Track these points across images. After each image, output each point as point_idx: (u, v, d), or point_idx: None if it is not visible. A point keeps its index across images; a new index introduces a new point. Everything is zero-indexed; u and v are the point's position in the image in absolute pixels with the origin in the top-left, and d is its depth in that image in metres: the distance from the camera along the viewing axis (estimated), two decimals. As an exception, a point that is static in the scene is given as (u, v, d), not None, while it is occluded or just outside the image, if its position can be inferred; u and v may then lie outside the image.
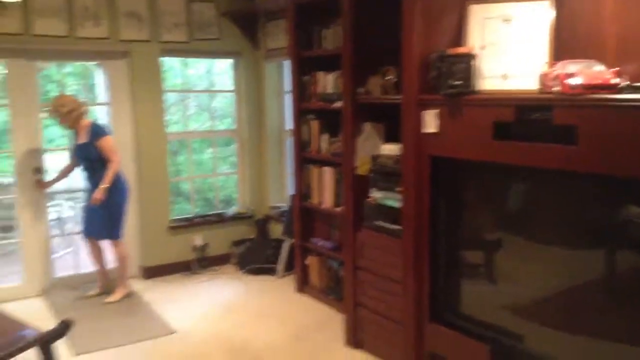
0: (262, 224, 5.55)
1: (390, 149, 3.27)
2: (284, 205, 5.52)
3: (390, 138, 3.38)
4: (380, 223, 3.27)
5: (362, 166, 3.48)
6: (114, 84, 4.84)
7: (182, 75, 7.79)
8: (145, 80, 4.86)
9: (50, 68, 6.62)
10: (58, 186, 5.04)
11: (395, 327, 3.20)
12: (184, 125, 5.97)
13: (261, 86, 5.46)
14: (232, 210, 5.58)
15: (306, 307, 4.39)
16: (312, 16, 4.23)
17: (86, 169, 4.42)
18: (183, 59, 5.47)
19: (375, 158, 3.37)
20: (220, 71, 5.79)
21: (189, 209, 5.62)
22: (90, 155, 4.31)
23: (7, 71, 4.42)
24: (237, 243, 5.46)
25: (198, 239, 5.27)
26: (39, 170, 4.59)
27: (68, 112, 4.23)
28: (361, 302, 3.50)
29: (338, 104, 3.89)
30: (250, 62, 5.42)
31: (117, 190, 4.42)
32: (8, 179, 5.71)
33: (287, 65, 5.34)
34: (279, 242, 5.20)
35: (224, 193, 6.28)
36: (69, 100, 4.31)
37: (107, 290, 4.67)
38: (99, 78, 4.99)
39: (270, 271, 5.09)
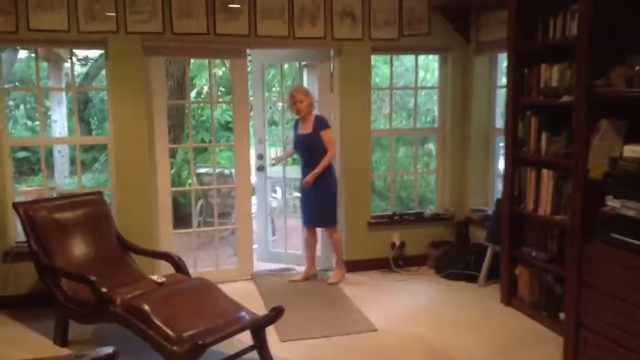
0: (462, 227, 5.29)
1: (636, 151, 2.82)
2: (487, 208, 5.20)
3: (634, 138, 2.91)
4: (621, 237, 2.82)
5: (596, 169, 3.05)
6: (322, 83, 4.98)
7: (380, 73, 7.88)
8: (354, 78, 4.92)
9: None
10: (274, 174, 5.47)
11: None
12: (381, 122, 5.98)
13: (468, 82, 5.20)
14: (430, 210, 5.41)
15: (512, 320, 4.04)
16: (535, 4, 3.86)
17: (305, 157, 4.71)
18: (385, 56, 5.45)
19: (614, 160, 2.94)
20: (423, 67, 5.64)
21: (383, 207, 5.59)
22: (313, 145, 4.59)
23: (234, 69, 4.80)
24: (435, 245, 5.27)
25: (396, 238, 5.20)
26: (261, 156, 5.19)
27: (309, 104, 4.60)
28: (586, 324, 3.08)
29: (566, 99, 3.49)
30: (458, 57, 5.19)
31: (332, 180, 4.71)
32: (228, 170, 6.27)
33: (501, 59, 5.01)
34: (480, 248, 4.90)
35: (419, 192, 6.14)
36: (308, 91, 4.71)
37: (311, 277, 4.93)
38: (305, 77, 5.22)
39: (470, 278, 4.81)
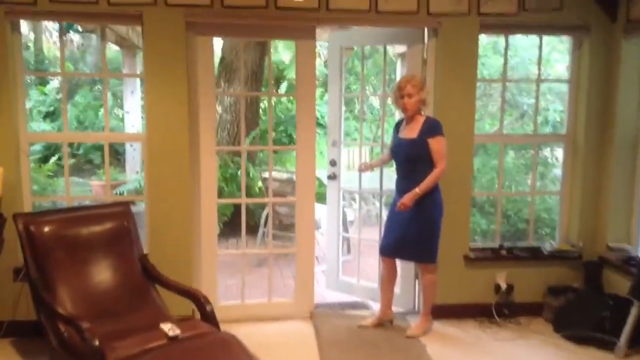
0: (593, 270, 3.96)
1: None
2: (631, 247, 3.84)
3: None
4: None
5: None
6: (412, 72, 3.85)
7: (487, 64, 6.51)
8: (455, 66, 3.75)
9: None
10: (349, 184, 4.57)
11: None
12: (485, 123, 4.70)
13: (613, 74, 3.84)
14: (550, 245, 4.11)
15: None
16: None
17: (403, 169, 3.62)
18: (494, 37, 4.18)
19: None
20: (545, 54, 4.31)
21: (483, 226, 4.35)
22: (416, 154, 3.49)
23: (299, 54, 3.80)
24: (554, 291, 3.98)
25: (502, 279, 3.97)
26: (334, 162, 4.22)
27: (421, 100, 3.50)
28: None
29: None
30: (599, 40, 3.84)
31: (435, 202, 3.56)
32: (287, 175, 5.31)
33: None
34: (620, 302, 3.57)
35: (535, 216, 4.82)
36: (424, 85, 3.57)
37: (386, 324, 3.84)
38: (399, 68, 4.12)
39: (605, 344, 3.50)
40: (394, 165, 3.71)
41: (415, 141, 3.47)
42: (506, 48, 4.00)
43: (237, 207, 6.46)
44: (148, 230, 3.68)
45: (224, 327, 2.93)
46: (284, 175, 5.44)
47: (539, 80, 4.06)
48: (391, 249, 3.68)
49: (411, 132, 3.51)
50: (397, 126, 3.68)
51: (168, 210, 3.65)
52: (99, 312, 2.94)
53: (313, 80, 3.80)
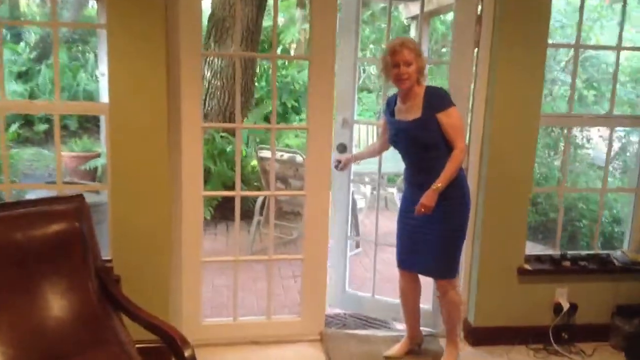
0: (676, 287, 3.16)
1: None
2: None
3: None
4: None
5: None
6: (461, 33, 2.95)
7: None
8: (521, 25, 2.86)
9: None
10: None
11: None
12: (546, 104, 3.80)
13: None
14: (621, 253, 3.29)
15: None
16: None
17: (411, 158, 2.76)
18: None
19: None
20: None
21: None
22: (425, 138, 2.62)
23: (313, 7, 2.87)
24: (624, 311, 3.19)
25: (563, 296, 3.16)
26: (344, 147, 3.22)
27: (420, 69, 2.62)
28: None
29: None
30: None
31: (457, 198, 2.67)
32: (301, 157, 4.43)
33: None
34: None
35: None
36: (420, 48, 2.69)
37: (415, 349, 3.02)
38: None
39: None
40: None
41: (421, 121, 2.61)
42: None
43: (229, 188, 5.63)
44: (112, 228, 2.80)
45: (211, 352, 2.09)
46: (285, 156, 4.55)
47: (619, 49, 3.15)
48: (410, 262, 2.84)
49: (412, 110, 2.64)
50: (389, 106, 2.81)
51: (138, 204, 2.77)
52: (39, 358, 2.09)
53: (333, 40, 2.87)
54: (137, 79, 2.65)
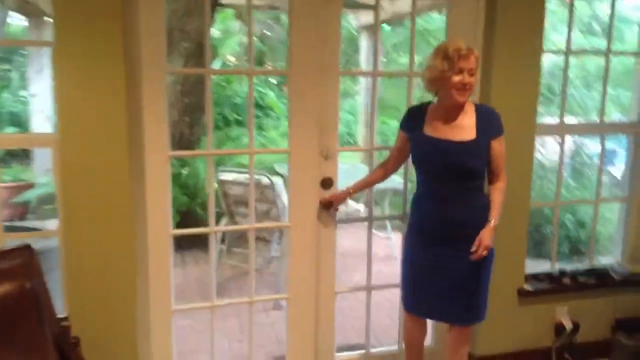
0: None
1: None
2: None
3: None
4: None
5: None
6: (459, 33, 2.71)
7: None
8: (517, 28, 2.67)
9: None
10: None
11: None
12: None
13: None
14: (618, 265, 3.17)
15: None
16: None
17: (441, 186, 2.32)
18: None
19: None
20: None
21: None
22: (472, 164, 2.27)
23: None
24: (625, 325, 3.06)
25: (565, 316, 2.99)
26: (329, 182, 2.65)
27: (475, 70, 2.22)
28: None
29: None
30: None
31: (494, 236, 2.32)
32: (267, 179, 4.09)
33: None
34: None
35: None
36: None
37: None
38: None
39: None
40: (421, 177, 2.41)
41: (475, 144, 2.25)
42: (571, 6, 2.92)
43: (183, 214, 5.20)
44: (66, 280, 2.38)
45: None
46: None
47: (608, 53, 3.03)
48: (428, 309, 2.46)
49: (461, 130, 2.27)
50: (416, 119, 2.37)
51: (96, 250, 2.36)
52: None
53: (319, 53, 2.56)
54: (90, 103, 2.25)
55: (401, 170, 2.67)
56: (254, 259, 2.78)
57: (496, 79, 2.67)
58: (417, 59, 2.74)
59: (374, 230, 2.90)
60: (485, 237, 2.20)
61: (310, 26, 2.51)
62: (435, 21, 7.70)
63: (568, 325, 2.95)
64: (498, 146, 2.28)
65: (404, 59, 8.05)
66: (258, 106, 8.40)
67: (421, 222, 2.41)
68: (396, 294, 2.69)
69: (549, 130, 3.12)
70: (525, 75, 2.70)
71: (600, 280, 3.06)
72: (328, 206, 2.62)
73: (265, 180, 4.08)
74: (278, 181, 4.17)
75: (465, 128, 2.27)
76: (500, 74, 2.67)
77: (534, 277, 3.03)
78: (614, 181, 6.39)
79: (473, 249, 2.19)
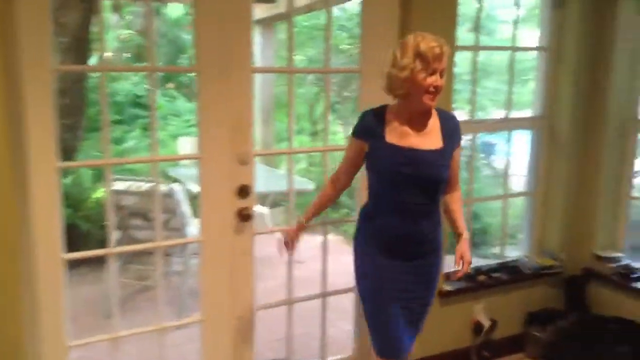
0: (577, 286, 3.20)
1: None
2: (621, 255, 3.15)
3: None
4: None
5: None
6: (371, 37, 2.60)
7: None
8: (434, 12, 2.59)
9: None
10: None
11: None
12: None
13: (608, 40, 3.04)
14: (526, 259, 3.25)
15: None
16: None
17: (409, 199, 2.03)
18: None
19: None
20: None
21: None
22: (443, 175, 2.04)
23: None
24: (536, 318, 3.15)
25: (483, 314, 3.00)
26: (246, 190, 2.41)
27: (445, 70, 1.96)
28: None
29: None
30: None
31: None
32: (165, 185, 3.75)
33: None
34: (624, 326, 2.87)
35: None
36: None
37: None
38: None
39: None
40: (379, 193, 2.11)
41: (443, 153, 2.03)
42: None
43: (65, 228, 4.67)
44: None
45: None
46: (144, 186, 3.81)
47: (514, 47, 3.08)
48: (405, 345, 2.13)
49: (429, 137, 2.02)
50: (374, 124, 2.05)
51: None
52: None
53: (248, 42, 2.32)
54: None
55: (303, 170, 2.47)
56: (159, 276, 2.47)
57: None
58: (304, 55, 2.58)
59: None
60: (467, 252, 2.08)
61: (218, 19, 2.26)
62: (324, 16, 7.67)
63: (486, 323, 2.97)
64: (457, 154, 2.11)
65: (298, 56, 7.93)
66: (141, 105, 7.86)
67: (381, 240, 2.08)
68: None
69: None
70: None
71: (512, 275, 3.11)
72: (289, 247, 2.28)
73: (163, 187, 3.73)
74: (177, 188, 3.84)
75: (432, 135, 2.03)
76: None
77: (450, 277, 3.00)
78: (495, 172, 6.78)
79: (458, 267, 2.06)
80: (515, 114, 3.28)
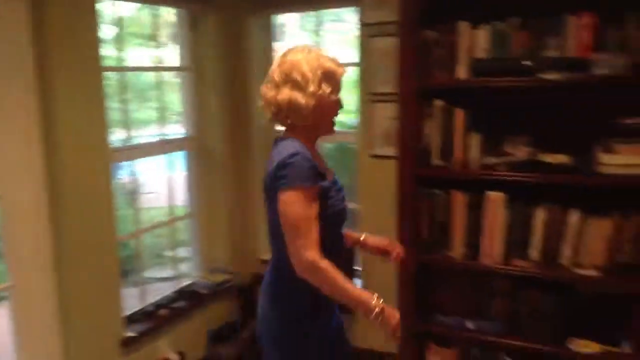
0: (249, 292, 3.29)
1: None
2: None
3: None
4: None
5: None
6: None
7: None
8: (67, 49, 2.19)
9: None
10: None
11: None
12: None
13: (244, 57, 3.18)
14: (198, 280, 3.15)
15: None
16: None
17: (340, 238, 1.77)
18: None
19: None
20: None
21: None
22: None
23: None
24: (217, 335, 3.10)
25: (170, 349, 2.77)
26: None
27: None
28: None
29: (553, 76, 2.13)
30: (225, 17, 3.08)
31: None
32: None
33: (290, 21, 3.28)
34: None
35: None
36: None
37: None
38: None
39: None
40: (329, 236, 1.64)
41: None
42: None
43: None
44: None
45: None
46: None
47: (158, 68, 2.90)
48: None
49: (328, 168, 1.75)
50: (314, 163, 1.57)
51: None
52: None
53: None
54: None
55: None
56: None
57: (60, 99, 2.16)
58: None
59: None
60: (384, 239, 1.90)
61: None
62: None
63: (174, 357, 2.76)
64: None
65: None
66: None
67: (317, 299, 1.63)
68: None
69: (122, 154, 2.74)
70: (89, 94, 2.28)
71: (191, 300, 2.98)
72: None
73: None
74: None
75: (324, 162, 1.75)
76: (62, 93, 2.17)
77: (130, 320, 2.68)
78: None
79: (393, 254, 1.86)
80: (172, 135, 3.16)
